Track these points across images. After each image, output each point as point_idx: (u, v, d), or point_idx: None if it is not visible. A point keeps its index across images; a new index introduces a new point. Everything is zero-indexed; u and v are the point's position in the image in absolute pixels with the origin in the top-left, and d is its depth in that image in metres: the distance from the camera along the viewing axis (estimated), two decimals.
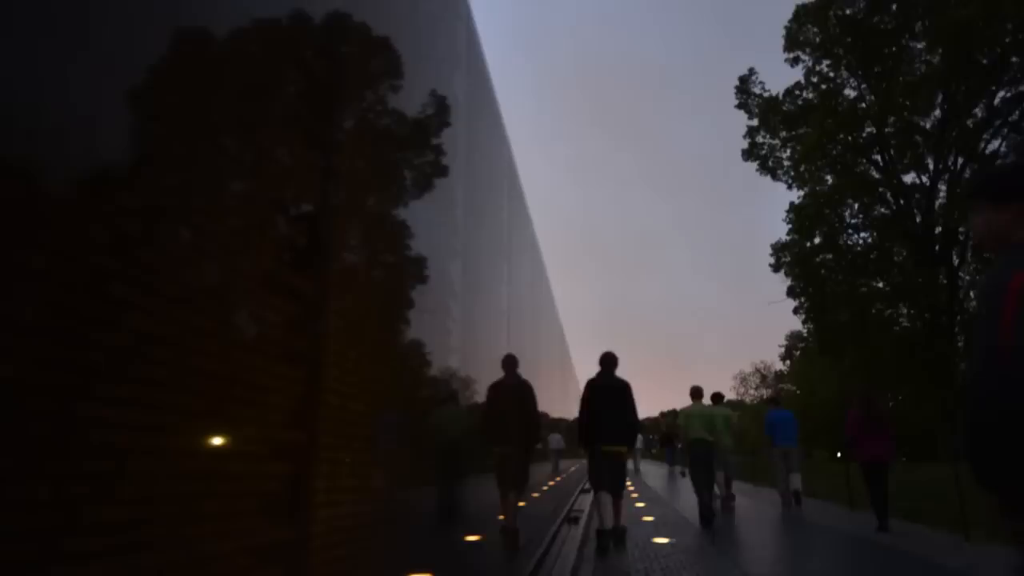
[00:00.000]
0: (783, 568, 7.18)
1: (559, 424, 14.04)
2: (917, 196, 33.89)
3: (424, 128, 3.11)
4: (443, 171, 3.33)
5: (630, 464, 13.50)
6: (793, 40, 35.70)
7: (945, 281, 32.25)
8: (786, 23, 35.85)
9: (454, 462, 3.62)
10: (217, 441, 1.33)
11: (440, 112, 3.34)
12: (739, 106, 37.65)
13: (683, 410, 12.05)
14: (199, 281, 1.28)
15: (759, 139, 37.68)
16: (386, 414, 2.38)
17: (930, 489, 15.22)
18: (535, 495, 7.85)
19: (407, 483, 2.69)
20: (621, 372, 8.83)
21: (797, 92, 36.00)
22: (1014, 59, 29.22)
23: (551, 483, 10.56)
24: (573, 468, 18.96)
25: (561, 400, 14.71)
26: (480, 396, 4.32)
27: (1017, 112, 30.52)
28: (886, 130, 33.67)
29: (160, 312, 1.13)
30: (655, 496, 17.59)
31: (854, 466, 12.03)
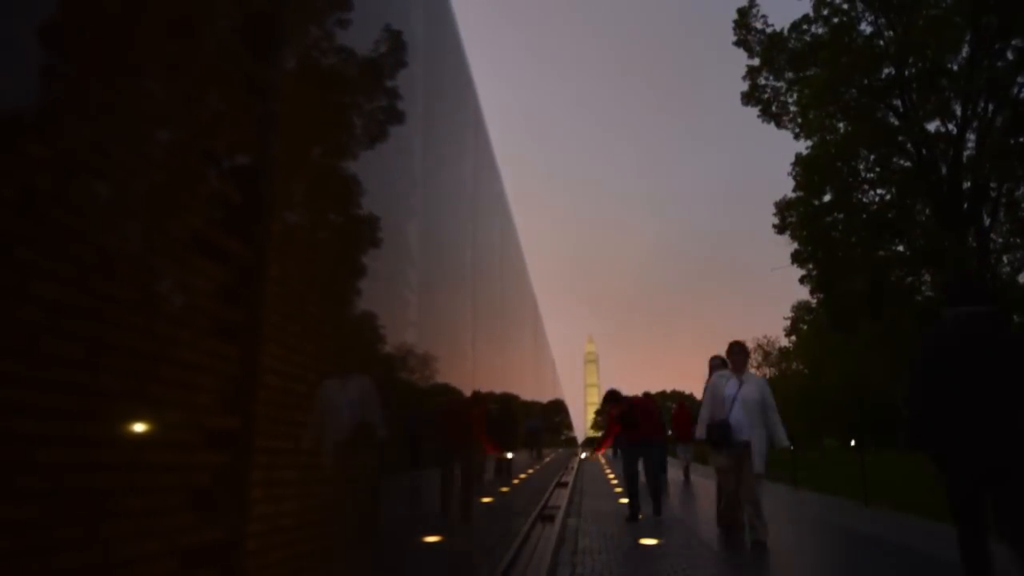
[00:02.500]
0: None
1: (532, 407, 14.08)
2: (942, 146, 34.02)
3: (377, 68, 3.10)
4: (399, 118, 3.32)
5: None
6: None
7: (974, 244, 32.43)
8: None
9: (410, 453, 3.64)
10: (138, 428, 1.33)
11: (395, 50, 3.32)
12: (737, 43, 37.50)
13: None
14: (117, 244, 1.28)
15: (761, 81, 37.59)
16: (335, 395, 2.38)
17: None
18: (504, 489, 7.90)
19: (360, 476, 2.70)
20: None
21: (805, 27, 35.88)
22: None
23: (522, 476, 10.62)
24: (547, 459, 19.07)
25: (535, 379, 14.72)
26: (442, 374, 4.33)
27: None
28: (907, 71, 33.75)
29: (71, 279, 1.13)
30: (642, 491, 17.72)
31: (870, 457, 12.24)
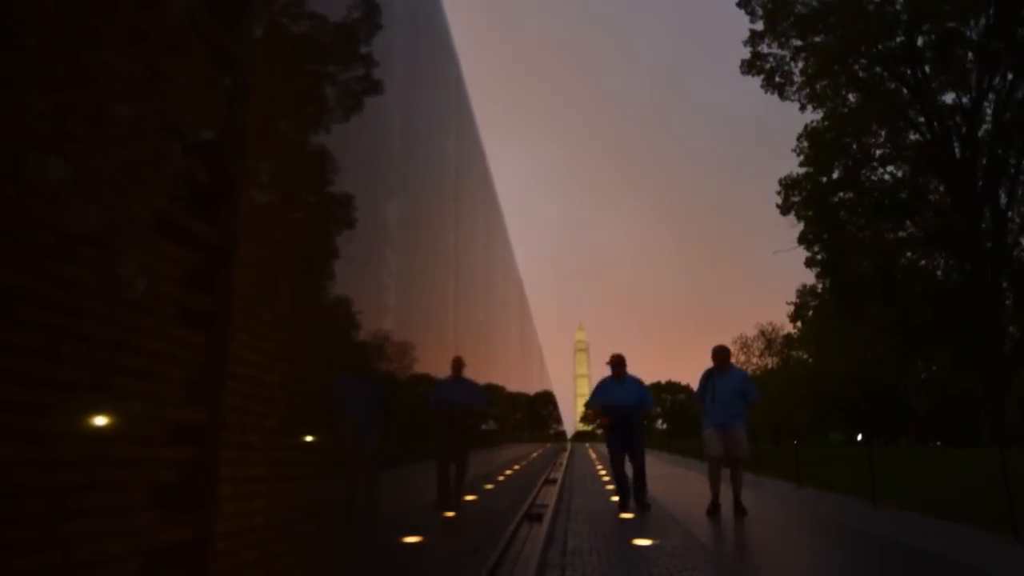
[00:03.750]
0: None
1: (517, 399, 14.10)
2: (957, 120, 34.10)
3: (352, 36, 3.09)
4: (376, 89, 3.31)
5: None
6: None
7: (991, 224, 32.48)
8: None
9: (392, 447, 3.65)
10: (98, 421, 1.33)
11: (371, 15, 3.31)
12: (740, 4, 37.42)
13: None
14: (76, 225, 1.28)
15: (764, 48, 37.54)
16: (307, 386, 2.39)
17: (970, 481, 15.55)
18: (489, 486, 7.92)
19: (335, 472, 2.71)
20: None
21: None
22: None
23: (508, 472, 10.64)
24: (535, 454, 19.11)
25: (521, 369, 14.74)
26: (421, 364, 4.33)
27: None
28: (920, 39, 33.77)
29: (28, 263, 1.13)
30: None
31: (877, 453, 12.29)
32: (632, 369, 13.07)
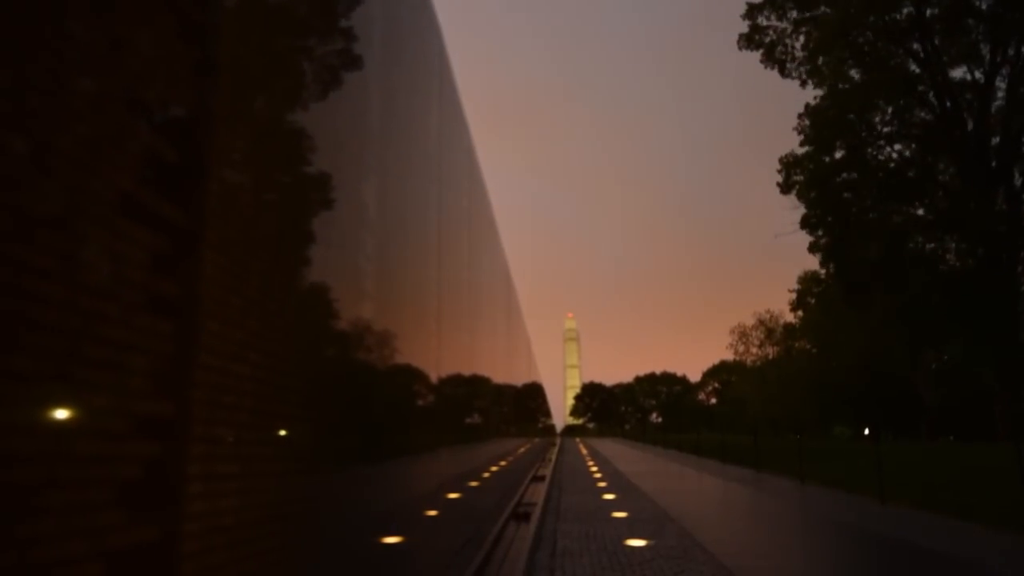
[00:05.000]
0: None
1: (504, 391, 14.09)
2: (968, 96, 34.11)
3: (329, 7, 3.08)
4: (354, 63, 3.31)
5: None
6: None
7: (1005, 206, 32.48)
8: None
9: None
10: (59, 414, 1.33)
11: None
12: None
13: None
14: (36, 206, 1.28)
15: (763, 21, 37.48)
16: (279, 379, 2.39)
17: (985, 477, 15.61)
18: (473, 484, 7.93)
19: (309, 468, 2.71)
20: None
21: None
22: None
23: (494, 469, 10.65)
24: (522, 450, 19.13)
25: (507, 359, 14.72)
26: (402, 353, 4.34)
27: None
28: (929, 11, 33.75)
29: None
30: (629, 486, 17.84)
31: (885, 449, 12.33)
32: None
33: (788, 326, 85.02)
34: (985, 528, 10.27)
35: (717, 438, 37.44)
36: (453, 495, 6.30)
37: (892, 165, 35.33)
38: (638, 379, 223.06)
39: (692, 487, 17.05)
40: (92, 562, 1.39)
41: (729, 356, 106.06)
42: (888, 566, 7.87)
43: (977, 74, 33.97)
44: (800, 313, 69.81)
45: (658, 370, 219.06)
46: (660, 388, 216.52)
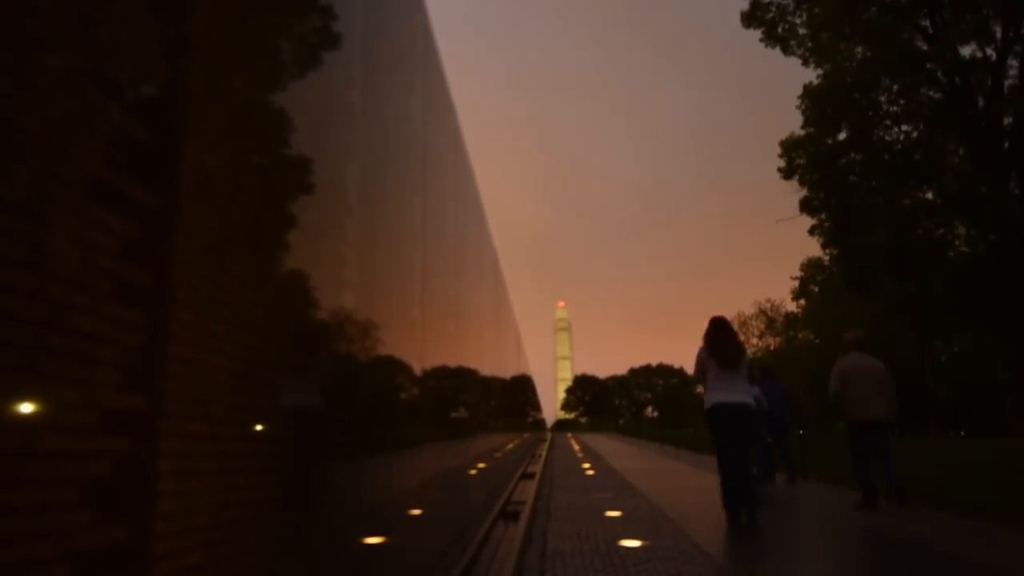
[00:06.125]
0: None
1: (492, 384, 14.09)
2: (979, 75, 34.07)
3: None
4: (334, 42, 3.30)
5: None
6: None
7: (1017, 189, 32.47)
8: None
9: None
10: (24, 408, 1.33)
11: None
12: None
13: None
14: None
15: None
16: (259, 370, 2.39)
17: (996, 474, 15.63)
18: (460, 481, 7.94)
19: (287, 466, 2.71)
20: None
21: None
22: None
23: (481, 465, 10.67)
24: (510, 446, 19.16)
25: (495, 350, 14.72)
26: (385, 344, 4.34)
27: None
28: None
29: None
30: (623, 484, 17.87)
31: (893, 443, 12.39)
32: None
33: (790, 315, 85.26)
34: (999, 528, 10.29)
35: None
36: (438, 493, 6.31)
37: (899, 146, 35.32)
38: (633, 371, 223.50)
39: (689, 485, 17.08)
40: (59, 564, 1.39)
41: None
42: (893, 570, 7.89)
43: (988, 51, 33.99)
44: (802, 302, 69.90)
45: (654, 362, 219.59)
46: (656, 381, 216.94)
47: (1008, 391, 33.67)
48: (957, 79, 34.15)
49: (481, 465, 10.81)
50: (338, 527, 3.39)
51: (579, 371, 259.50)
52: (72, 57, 1.48)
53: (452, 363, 7.59)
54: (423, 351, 5.65)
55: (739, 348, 11.64)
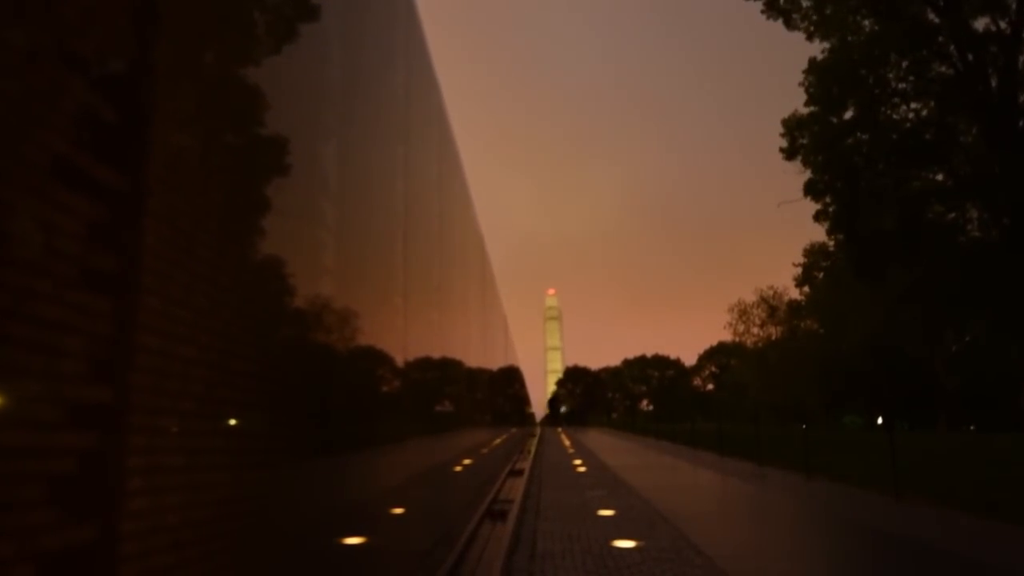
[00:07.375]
0: None
1: (478, 375, 14.07)
2: (993, 50, 34.07)
3: None
4: (311, 14, 3.30)
5: None
6: None
7: None
8: None
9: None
10: None
11: None
12: None
13: None
14: None
15: None
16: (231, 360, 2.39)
17: (1009, 471, 15.69)
18: (444, 478, 7.94)
19: (264, 461, 2.71)
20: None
21: None
22: None
23: (467, 462, 10.68)
24: (497, 441, 19.18)
25: (482, 340, 14.71)
26: (365, 334, 4.33)
27: None
28: None
29: None
30: (617, 481, 17.90)
31: (899, 439, 12.40)
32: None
33: (793, 303, 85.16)
34: (1012, 528, 10.34)
35: (714, 427, 37.57)
36: (422, 491, 6.32)
37: (908, 125, 35.28)
38: (627, 362, 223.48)
39: (686, 482, 17.14)
40: (21, 566, 1.39)
41: (728, 337, 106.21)
42: (901, 567, 7.92)
43: (1002, 24, 33.90)
44: (806, 289, 69.78)
45: (649, 352, 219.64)
46: (651, 372, 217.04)
47: (1022, 385, 33.73)
48: (969, 54, 34.07)
49: (467, 461, 10.81)
50: (316, 526, 3.39)
51: (570, 362, 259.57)
52: (33, 30, 1.48)
53: (436, 354, 7.59)
54: (406, 341, 5.65)
55: None
